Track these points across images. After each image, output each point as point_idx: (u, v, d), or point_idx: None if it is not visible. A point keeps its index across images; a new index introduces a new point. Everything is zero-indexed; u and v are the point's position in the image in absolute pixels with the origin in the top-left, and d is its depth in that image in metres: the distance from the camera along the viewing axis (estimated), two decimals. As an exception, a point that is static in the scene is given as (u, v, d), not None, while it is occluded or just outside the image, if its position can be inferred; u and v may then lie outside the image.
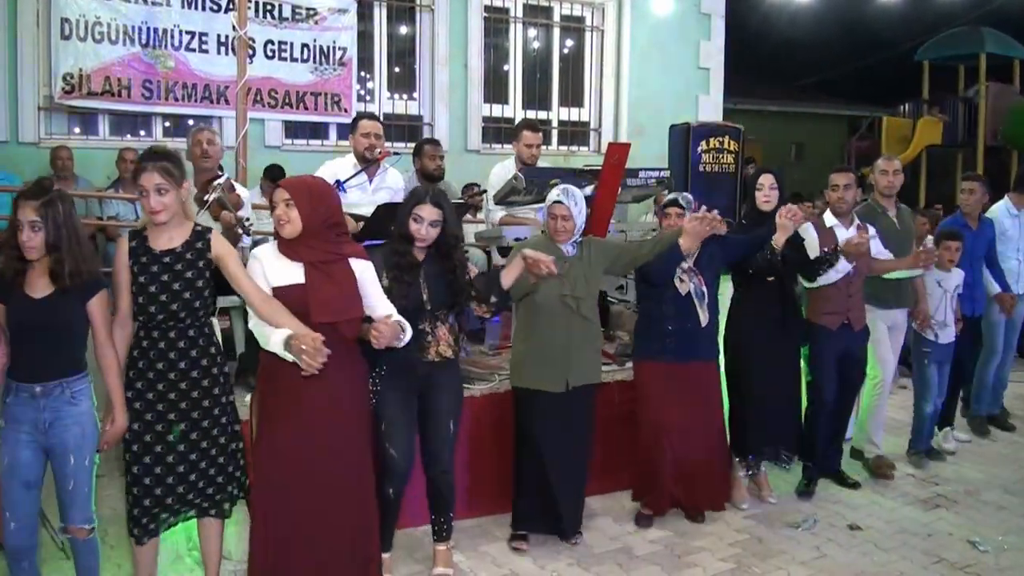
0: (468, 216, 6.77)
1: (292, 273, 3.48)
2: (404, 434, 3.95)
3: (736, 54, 11.92)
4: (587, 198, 5.55)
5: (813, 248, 5.20)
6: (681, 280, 4.81)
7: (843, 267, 5.07)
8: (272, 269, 3.49)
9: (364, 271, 3.61)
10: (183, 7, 8.06)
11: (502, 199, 5.58)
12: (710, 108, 11.10)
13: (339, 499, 3.56)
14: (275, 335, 3.34)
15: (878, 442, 5.84)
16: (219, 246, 3.53)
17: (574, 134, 10.79)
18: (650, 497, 4.93)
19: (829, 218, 5.34)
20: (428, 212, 3.88)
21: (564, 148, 10.64)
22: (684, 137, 6.85)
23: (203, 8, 8.16)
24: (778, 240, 4.84)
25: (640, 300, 5.11)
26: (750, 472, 5.29)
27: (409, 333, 3.65)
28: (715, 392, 5.04)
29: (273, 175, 8.33)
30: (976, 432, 6.67)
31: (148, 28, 7.90)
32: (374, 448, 3.85)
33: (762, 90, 20.22)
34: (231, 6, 7.76)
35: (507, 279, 4.22)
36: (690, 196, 5.09)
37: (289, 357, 3.29)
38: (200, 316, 3.51)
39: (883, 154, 5.89)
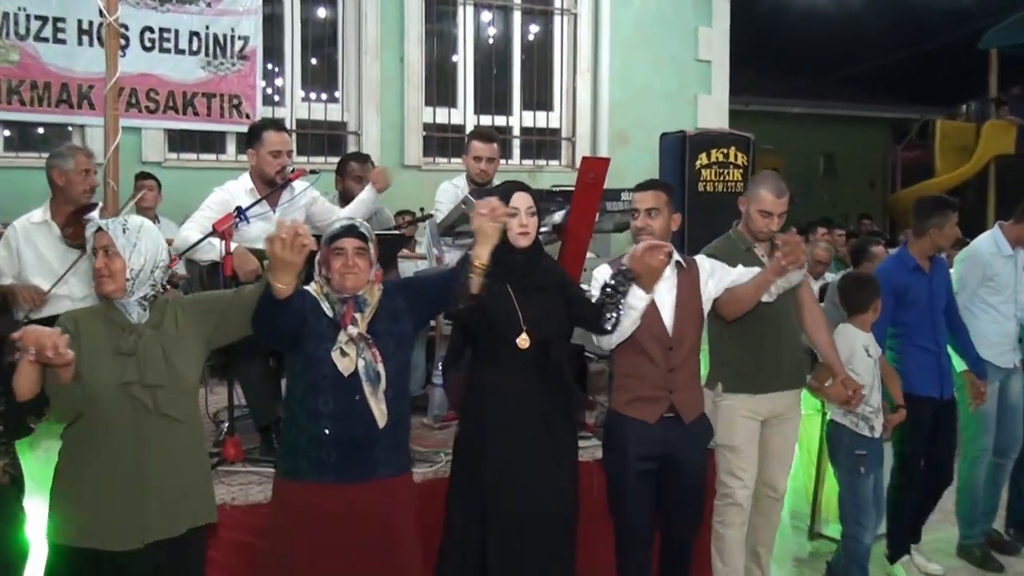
0: (405, 251, 6.84)
1: None
2: None
3: (746, 43, 12.15)
4: (556, 226, 5.64)
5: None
6: (343, 353, 3.74)
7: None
8: None
9: None
10: (31, -15, 7.98)
11: (448, 229, 5.62)
12: (712, 111, 11.28)
13: None
14: None
15: None
16: None
17: (541, 145, 10.93)
18: None
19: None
20: None
21: (528, 162, 10.76)
22: (679, 148, 6.98)
23: (59, -14, 8.11)
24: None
25: (288, 381, 4.05)
26: None
27: None
28: (407, 525, 3.92)
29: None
30: (977, 565, 6.11)
31: (-17, 12, 7.83)
32: None
33: (781, 87, 20.54)
34: (98, -16, 7.82)
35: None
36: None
37: None
38: None
39: (770, 175, 5.10)
